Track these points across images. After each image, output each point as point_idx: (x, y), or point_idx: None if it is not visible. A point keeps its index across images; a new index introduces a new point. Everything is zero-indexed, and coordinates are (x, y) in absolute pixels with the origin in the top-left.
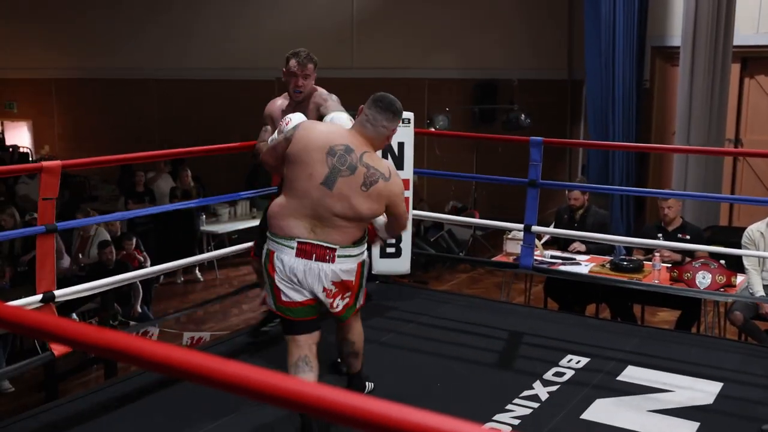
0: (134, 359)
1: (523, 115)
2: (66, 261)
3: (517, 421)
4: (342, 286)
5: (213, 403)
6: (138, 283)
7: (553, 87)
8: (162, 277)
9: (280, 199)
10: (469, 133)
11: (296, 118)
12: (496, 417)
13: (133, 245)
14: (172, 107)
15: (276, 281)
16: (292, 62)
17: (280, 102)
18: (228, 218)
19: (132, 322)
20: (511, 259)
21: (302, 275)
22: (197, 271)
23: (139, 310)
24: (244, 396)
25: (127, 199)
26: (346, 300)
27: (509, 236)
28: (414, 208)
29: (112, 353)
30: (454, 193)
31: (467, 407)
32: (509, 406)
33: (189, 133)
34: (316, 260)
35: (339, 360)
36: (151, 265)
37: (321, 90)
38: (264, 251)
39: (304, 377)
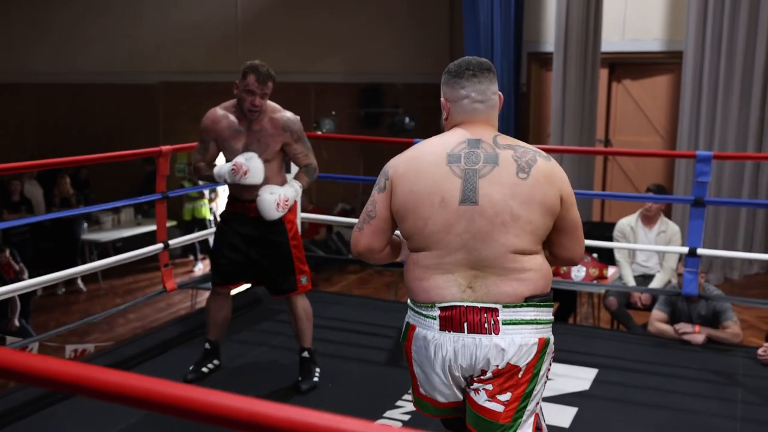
0: (12, 374)
1: (407, 119)
2: None
3: (407, 417)
4: (504, 374)
5: (99, 416)
6: (15, 296)
7: (437, 91)
8: (41, 288)
9: (411, 258)
10: (356, 136)
11: (252, 164)
12: (387, 413)
13: (8, 256)
14: (49, 113)
15: (413, 367)
16: (251, 78)
17: (226, 119)
18: (111, 226)
19: (9, 337)
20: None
21: (452, 359)
22: (80, 282)
23: (17, 323)
24: (127, 405)
25: (1, 209)
26: (499, 406)
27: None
28: (303, 211)
29: None
30: (342, 195)
31: (359, 405)
32: (399, 402)
33: (68, 139)
34: (468, 332)
35: None
36: (30, 276)
37: (284, 116)
38: (404, 324)
39: None
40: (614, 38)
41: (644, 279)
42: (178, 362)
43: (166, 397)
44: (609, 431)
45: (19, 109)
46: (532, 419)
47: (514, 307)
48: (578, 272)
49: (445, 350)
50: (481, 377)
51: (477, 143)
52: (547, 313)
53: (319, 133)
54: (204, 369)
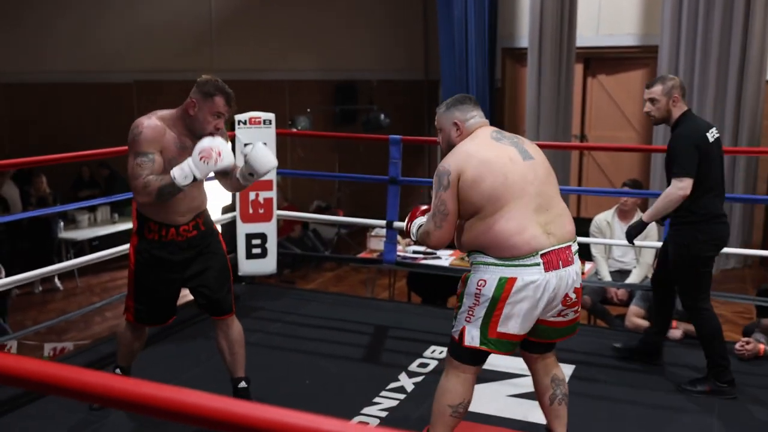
0: None
1: (382, 115)
2: None
3: (384, 413)
4: (580, 292)
5: (76, 415)
6: None
7: (411, 87)
8: (17, 287)
9: (494, 220)
10: (331, 133)
11: (221, 144)
12: (365, 410)
13: None
14: (22, 112)
15: (506, 308)
16: (221, 101)
17: (168, 133)
18: (88, 224)
19: None
20: (375, 256)
21: (554, 291)
22: (56, 280)
23: None
24: (108, 406)
25: None
26: (578, 313)
27: (372, 233)
28: (278, 209)
29: None
30: (317, 192)
31: (336, 402)
32: (377, 399)
33: (42, 138)
34: (563, 267)
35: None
36: (6, 275)
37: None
38: (493, 281)
39: (455, 424)
40: (589, 33)
41: (621, 274)
42: (153, 360)
43: (141, 397)
44: (587, 427)
45: None
46: None
47: (574, 242)
48: None
49: (551, 286)
50: (568, 303)
51: (500, 132)
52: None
53: (294, 130)
54: None
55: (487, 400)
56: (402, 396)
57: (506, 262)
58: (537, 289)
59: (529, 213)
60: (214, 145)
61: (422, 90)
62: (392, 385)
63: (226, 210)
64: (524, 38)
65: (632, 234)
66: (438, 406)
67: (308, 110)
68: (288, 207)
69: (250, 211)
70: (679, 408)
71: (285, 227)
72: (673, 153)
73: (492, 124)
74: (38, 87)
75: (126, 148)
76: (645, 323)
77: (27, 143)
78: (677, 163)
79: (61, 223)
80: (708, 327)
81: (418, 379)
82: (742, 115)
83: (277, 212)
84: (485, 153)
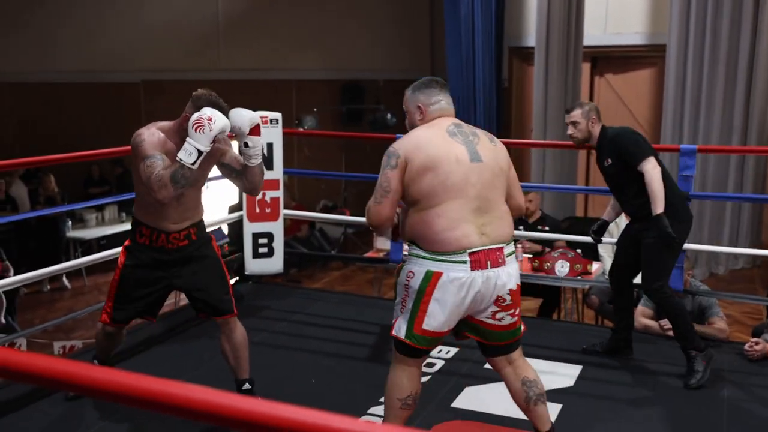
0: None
1: (389, 115)
2: None
3: None
4: (516, 294)
5: (84, 412)
6: (1, 293)
7: None
8: (26, 286)
9: (429, 214)
10: (338, 133)
11: (212, 111)
12: (371, 410)
13: None
14: (30, 112)
15: (431, 302)
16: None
17: (168, 143)
18: (95, 223)
19: None
20: (381, 255)
21: (481, 291)
22: (64, 279)
23: (3, 321)
24: (116, 402)
25: None
26: (515, 317)
27: None
28: (285, 208)
29: None
30: (324, 192)
31: (342, 402)
32: (383, 399)
33: (50, 138)
34: (491, 267)
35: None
36: (14, 273)
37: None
38: (420, 274)
39: (405, 416)
40: (596, 32)
41: None
42: (159, 359)
43: (150, 393)
44: (594, 428)
45: (2, 109)
46: None
47: (508, 244)
48: (562, 268)
49: (476, 286)
50: (501, 304)
51: (459, 125)
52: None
53: (301, 130)
54: None
55: (493, 400)
56: None
57: (434, 257)
58: (462, 286)
59: (465, 213)
60: (203, 114)
61: None
62: None
63: (233, 209)
64: (531, 37)
65: (669, 231)
66: (388, 399)
67: (315, 110)
68: (295, 206)
69: (257, 210)
70: (687, 408)
71: (292, 227)
72: (624, 149)
73: (498, 123)
74: (45, 87)
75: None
76: (653, 323)
77: (35, 143)
78: (634, 152)
79: (69, 222)
80: (674, 302)
81: (425, 378)
82: (751, 114)
83: (283, 211)
84: (434, 149)
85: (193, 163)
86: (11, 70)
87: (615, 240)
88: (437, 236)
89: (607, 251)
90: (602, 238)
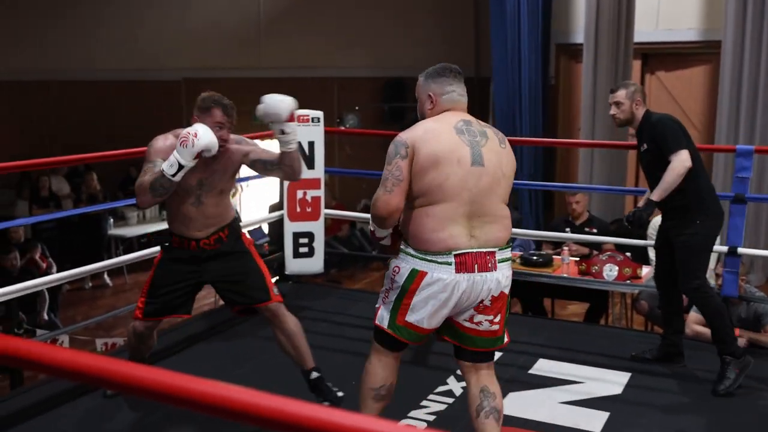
0: (43, 367)
1: None
2: None
3: (432, 417)
4: (499, 300)
5: (125, 409)
6: (44, 289)
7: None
8: (68, 283)
9: (420, 213)
10: (380, 131)
11: (198, 127)
12: (412, 414)
13: (38, 252)
14: (75, 110)
15: (414, 300)
16: (218, 112)
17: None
18: (137, 221)
19: (38, 330)
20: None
21: (466, 294)
22: (106, 276)
23: (46, 317)
24: (156, 400)
25: (31, 204)
26: (496, 325)
27: None
28: (326, 207)
29: (19, 361)
30: (365, 191)
31: None
32: (424, 402)
33: (94, 135)
34: (478, 271)
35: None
36: (57, 270)
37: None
38: (406, 271)
39: (378, 407)
40: (647, 28)
41: None
42: (201, 357)
43: (191, 393)
44: None
45: (47, 107)
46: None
47: (503, 249)
48: (610, 272)
49: (461, 288)
50: (479, 308)
51: (469, 122)
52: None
53: (343, 128)
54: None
55: (538, 406)
56: (450, 400)
57: (421, 255)
58: (446, 287)
59: (455, 215)
60: (191, 129)
61: (472, 87)
62: (440, 388)
63: (274, 208)
64: (579, 33)
65: (642, 217)
66: (362, 388)
67: (357, 108)
68: (335, 206)
69: (298, 209)
70: (741, 420)
71: (332, 226)
72: (661, 136)
73: (545, 122)
74: (88, 84)
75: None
76: (705, 331)
77: (74, 140)
78: (670, 141)
79: (111, 220)
80: (714, 303)
81: None
82: None
83: (324, 211)
84: (439, 146)
85: (173, 175)
86: (54, 67)
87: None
88: (425, 235)
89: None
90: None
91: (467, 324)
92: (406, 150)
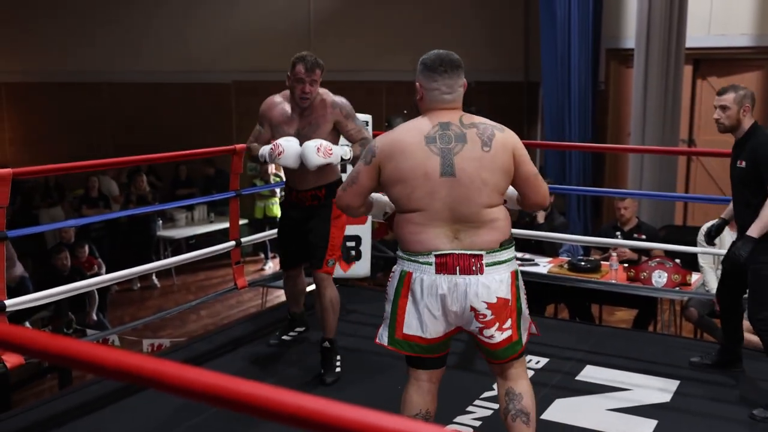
0: (93, 367)
1: None
2: (18, 269)
3: (478, 423)
4: (499, 307)
5: (171, 411)
6: (94, 290)
7: (510, 88)
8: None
9: (403, 217)
10: None
11: (288, 145)
12: (458, 419)
13: (87, 252)
14: (125, 111)
15: (407, 309)
16: (299, 67)
17: (281, 106)
18: (185, 223)
19: (88, 330)
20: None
21: (449, 298)
22: (154, 277)
23: (95, 317)
24: (202, 401)
25: (81, 205)
26: (507, 331)
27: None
28: None
29: (70, 361)
30: None
31: None
32: (470, 408)
33: (143, 137)
34: (460, 274)
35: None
36: (106, 271)
37: (331, 96)
38: (397, 273)
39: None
40: (699, 33)
41: None
42: (248, 359)
43: (237, 395)
44: None
45: (99, 108)
46: (527, 324)
47: (493, 252)
48: (659, 278)
49: (442, 289)
50: (482, 320)
51: (447, 126)
52: (513, 251)
53: None
54: (285, 337)
55: (585, 413)
56: (496, 406)
57: (407, 256)
58: (430, 287)
59: (435, 220)
60: (283, 143)
61: (521, 91)
62: (486, 394)
63: None
64: (630, 39)
65: (741, 258)
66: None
67: (405, 111)
68: None
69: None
70: None
71: (380, 230)
72: (764, 162)
73: (594, 127)
74: (138, 86)
75: (224, 147)
76: (757, 339)
77: (130, 142)
78: None
79: (160, 222)
80: None
81: None
82: None
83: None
84: (402, 164)
85: (264, 163)
86: (104, 69)
87: (719, 250)
88: (408, 236)
89: (707, 262)
90: (711, 244)
91: (481, 338)
92: (372, 158)
